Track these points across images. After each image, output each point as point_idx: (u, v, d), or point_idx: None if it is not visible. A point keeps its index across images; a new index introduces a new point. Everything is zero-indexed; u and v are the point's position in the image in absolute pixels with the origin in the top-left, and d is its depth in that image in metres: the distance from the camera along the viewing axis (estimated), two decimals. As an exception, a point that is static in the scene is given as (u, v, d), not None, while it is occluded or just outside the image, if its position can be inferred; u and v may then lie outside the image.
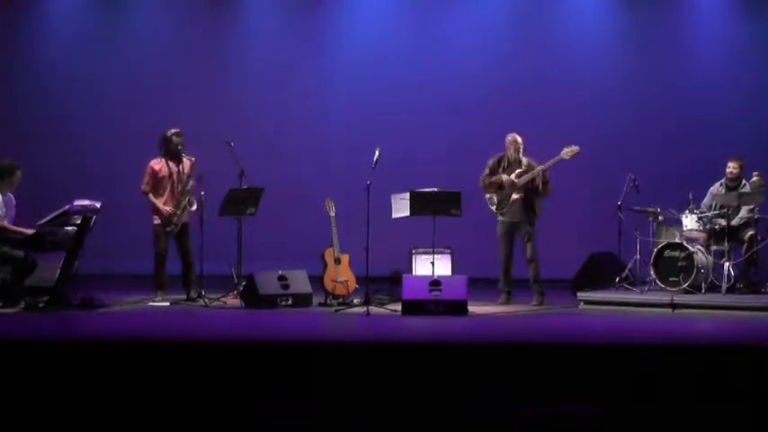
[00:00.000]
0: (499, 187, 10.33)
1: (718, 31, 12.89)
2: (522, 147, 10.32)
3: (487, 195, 10.39)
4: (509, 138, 10.38)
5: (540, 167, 10.23)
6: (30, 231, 9.50)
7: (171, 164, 10.23)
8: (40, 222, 9.65)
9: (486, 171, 10.37)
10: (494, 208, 10.37)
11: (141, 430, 6.39)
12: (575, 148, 10.20)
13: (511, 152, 10.34)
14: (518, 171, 10.28)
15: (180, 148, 10.21)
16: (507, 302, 10.28)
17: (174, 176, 10.21)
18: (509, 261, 10.39)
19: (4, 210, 9.51)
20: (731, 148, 11.05)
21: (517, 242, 10.43)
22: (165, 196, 10.20)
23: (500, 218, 10.37)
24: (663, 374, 6.68)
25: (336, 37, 13.28)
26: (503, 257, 10.39)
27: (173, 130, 10.27)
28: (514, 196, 10.27)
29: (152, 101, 12.88)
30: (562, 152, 10.22)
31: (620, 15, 13.05)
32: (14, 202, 9.71)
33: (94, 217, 9.70)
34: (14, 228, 9.51)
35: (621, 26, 13.06)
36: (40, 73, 13.33)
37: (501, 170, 10.33)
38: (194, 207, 10.25)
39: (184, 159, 10.26)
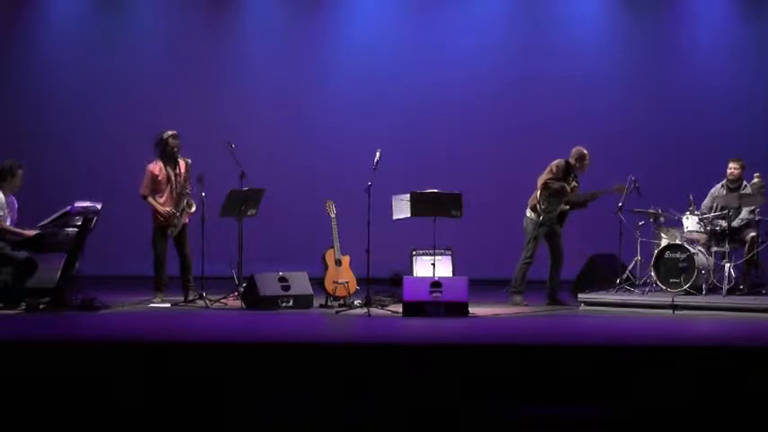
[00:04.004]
0: (556, 194, 10.29)
1: (718, 33, 12.90)
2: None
3: (541, 194, 10.29)
4: (584, 152, 10.40)
5: (598, 192, 10.46)
6: (31, 232, 9.51)
7: (168, 166, 10.18)
8: (41, 224, 9.67)
9: (555, 174, 10.29)
10: (543, 209, 10.29)
11: (141, 431, 6.40)
12: (623, 187, 10.30)
13: (579, 167, 10.41)
14: (573, 185, 10.38)
15: (176, 150, 10.15)
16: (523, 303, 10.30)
17: (173, 179, 10.16)
18: (532, 262, 10.40)
19: (5, 211, 9.52)
20: (731, 149, 11.04)
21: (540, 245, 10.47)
22: (164, 198, 10.16)
23: (539, 218, 10.31)
24: (663, 376, 6.68)
25: (337, 38, 13.29)
26: (529, 258, 10.34)
27: (169, 133, 10.17)
28: (565, 207, 10.34)
29: (152, 102, 12.88)
30: (614, 186, 10.39)
31: (620, 17, 13.06)
32: (17, 204, 9.72)
33: (95, 218, 9.71)
34: (15, 229, 9.52)
35: (621, 28, 13.07)
36: (40, 74, 13.32)
37: (563, 179, 10.33)
38: (193, 209, 10.22)
39: (180, 161, 10.21)
